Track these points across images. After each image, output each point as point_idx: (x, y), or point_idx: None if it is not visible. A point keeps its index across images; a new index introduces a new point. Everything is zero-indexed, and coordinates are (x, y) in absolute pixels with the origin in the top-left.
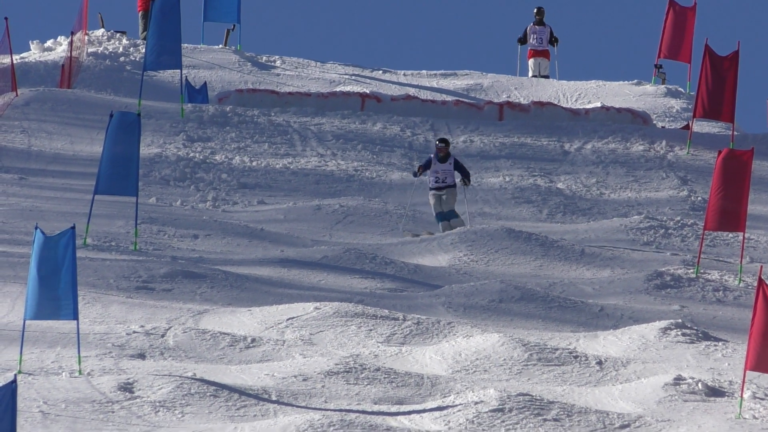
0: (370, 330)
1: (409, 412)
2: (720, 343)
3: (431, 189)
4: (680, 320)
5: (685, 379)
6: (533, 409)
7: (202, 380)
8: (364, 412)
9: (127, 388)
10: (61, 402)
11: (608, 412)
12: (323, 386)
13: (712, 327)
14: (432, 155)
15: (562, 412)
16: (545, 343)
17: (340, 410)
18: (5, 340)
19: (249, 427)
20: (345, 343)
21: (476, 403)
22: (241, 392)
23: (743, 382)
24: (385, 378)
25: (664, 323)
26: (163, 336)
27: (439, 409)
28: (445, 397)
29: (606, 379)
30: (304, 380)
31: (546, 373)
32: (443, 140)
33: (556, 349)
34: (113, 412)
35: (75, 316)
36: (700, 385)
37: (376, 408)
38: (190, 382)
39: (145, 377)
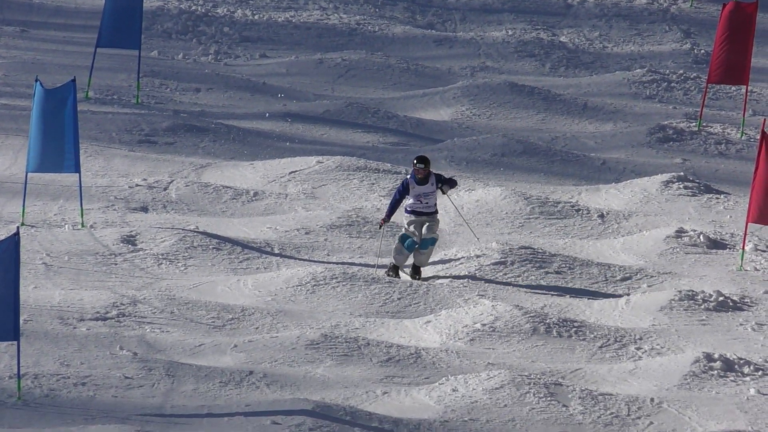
0: (372, 184)
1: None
2: (722, 196)
3: (408, 210)
4: (682, 173)
5: (686, 232)
6: (535, 261)
7: (205, 233)
8: (366, 265)
9: (129, 240)
10: (64, 254)
11: (610, 264)
12: (326, 239)
13: (714, 180)
14: (408, 177)
15: (563, 265)
16: (547, 196)
17: (343, 263)
18: (8, 192)
19: (252, 280)
20: (347, 196)
21: (478, 256)
22: (244, 245)
23: (745, 234)
24: (387, 231)
25: (666, 176)
26: (165, 189)
27: (441, 261)
28: (447, 249)
29: (608, 232)
30: (307, 233)
31: (548, 226)
32: (422, 159)
33: (558, 203)
34: (116, 264)
35: (77, 169)
36: (701, 237)
37: (378, 260)
38: (192, 235)
39: (147, 230)
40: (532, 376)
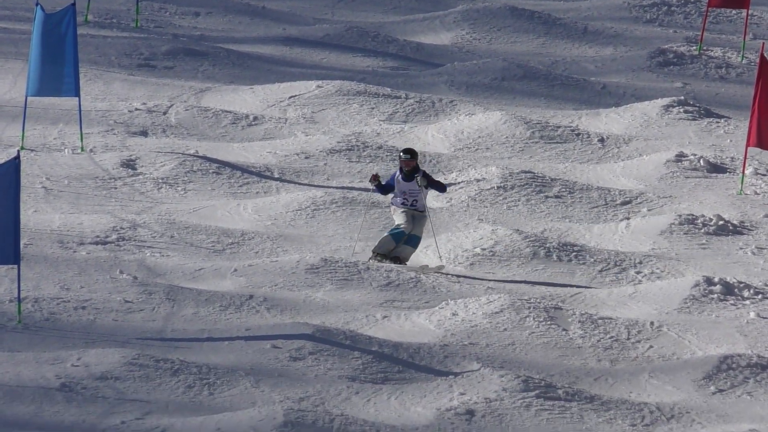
0: (372, 108)
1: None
2: (722, 120)
3: (395, 205)
4: (682, 97)
5: (686, 156)
6: (535, 186)
7: (204, 157)
8: (366, 189)
9: (129, 165)
10: (64, 178)
11: (610, 188)
12: (325, 164)
13: (715, 104)
14: (395, 173)
15: (563, 189)
16: (547, 120)
17: (342, 188)
18: (7, 116)
19: (251, 204)
20: (347, 121)
21: (478, 180)
22: (244, 170)
23: (744, 158)
24: (387, 156)
25: (666, 100)
26: (165, 113)
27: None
28: (447, 174)
29: (608, 156)
30: (306, 158)
31: (548, 150)
32: (408, 150)
33: (559, 127)
34: (116, 188)
35: (77, 93)
36: (701, 161)
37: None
38: (192, 159)
39: (147, 154)
40: (531, 300)
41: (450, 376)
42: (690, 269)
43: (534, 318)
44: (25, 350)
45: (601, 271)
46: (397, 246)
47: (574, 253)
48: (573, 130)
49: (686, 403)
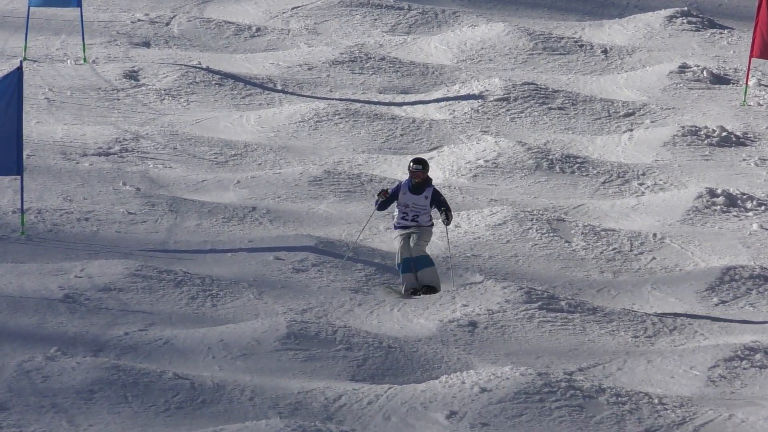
0: (375, 19)
1: (414, 102)
2: (725, 31)
3: (397, 228)
4: (686, 8)
5: (690, 67)
6: (538, 98)
7: (208, 69)
8: (369, 101)
9: (132, 76)
10: (67, 89)
11: (613, 100)
12: (328, 75)
13: (718, 15)
14: (401, 182)
15: (567, 101)
16: (550, 32)
17: (345, 99)
18: (10, 27)
19: (254, 116)
20: (350, 32)
21: (481, 92)
22: (246, 81)
23: (748, 69)
24: (390, 67)
25: (669, 11)
26: (167, 24)
27: (445, 99)
28: (450, 86)
29: (611, 67)
30: (309, 69)
31: (551, 62)
32: (419, 160)
33: (561, 38)
34: (118, 99)
35: (79, 3)
36: (705, 72)
37: (381, 97)
38: (195, 70)
39: (150, 65)
40: (534, 212)
41: (453, 288)
42: (693, 181)
43: (537, 230)
44: (29, 261)
45: (604, 182)
46: (416, 274)
47: (577, 165)
48: (576, 42)
49: (688, 314)
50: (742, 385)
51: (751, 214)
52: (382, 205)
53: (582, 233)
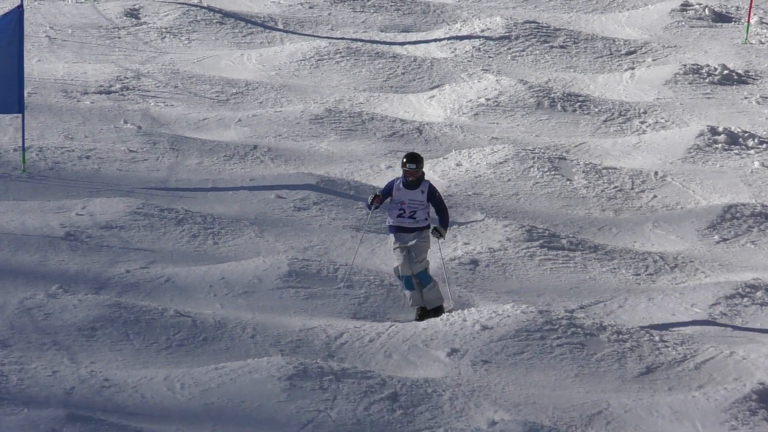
0: None
1: (416, 41)
2: None
3: (392, 228)
4: None
5: (691, 5)
6: (540, 36)
7: (209, 7)
8: (371, 40)
9: (133, 14)
10: (68, 27)
11: (614, 38)
12: (329, 14)
13: None
14: (395, 180)
15: (568, 39)
16: None
17: (347, 38)
18: None
19: (255, 54)
20: None
21: (483, 30)
22: (248, 20)
23: (750, 7)
24: (391, 6)
25: None
26: None
27: (446, 38)
28: (451, 24)
29: (613, 6)
30: (311, 8)
31: (553, 0)
32: (414, 158)
33: None
34: (119, 38)
35: None
36: (707, 11)
37: (382, 36)
38: (196, 9)
39: (151, 4)
40: (536, 151)
41: (454, 226)
42: (694, 119)
43: (538, 168)
44: (30, 199)
45: (605, 121)
46: (421, 291)
47: (579, 103)
48: None
49: (690, 252)
50: (743, 322)
51: (752, 152)
52: (377, 202)
53: (583, 171)
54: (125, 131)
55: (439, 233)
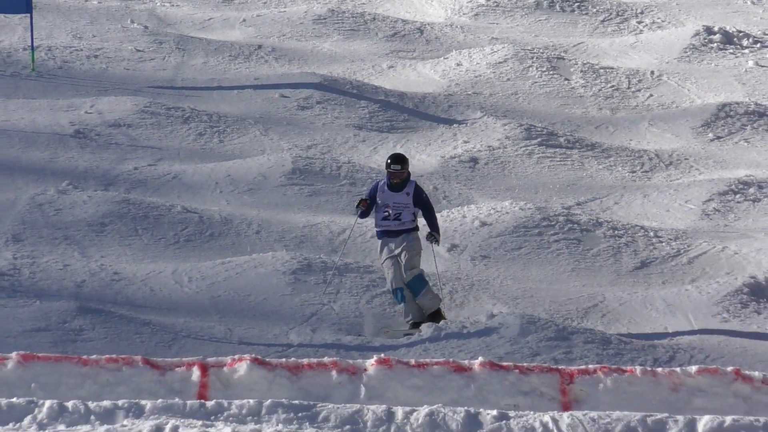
0: None
1: None
2: None
3: (378, 234)
4: None
5: None
6: None
7: None
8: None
9: None
10: None
11: None
12: None
13: None
14: (379, 181)
15: None
16: None
17: None
18: None
19: None
20: None
21: None
22: None
23: None
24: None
25: None
26: None
27: None
28: None
29: None
30: None
31: None
32: (398, 159)
33: None
34: None
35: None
36: None
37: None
38: None
39: None
40: (535, 51)
41: (454, 125)
42: (690, 19)
43: (537, 68)
44: (40, 97)
45: (603, 21)
46: (416, 301)
47: (577, 3)
48: None
49: (684, 149)
50: (736, 218)
51: (747, 51)
52: (364, 213)
53: (581, 71)
54: (132, 31)
55: (435, 239)
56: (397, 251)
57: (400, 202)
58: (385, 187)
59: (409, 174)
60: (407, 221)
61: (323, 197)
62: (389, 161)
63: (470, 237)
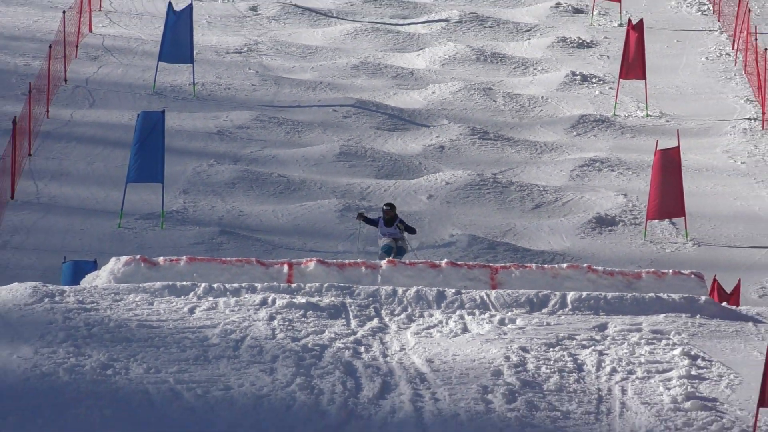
0: None
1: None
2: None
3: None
4: None
5: (561, 4)
6: (478, 21)
7: None
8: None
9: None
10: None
11: (518, 22)
12: None
13: None
14: (379, 218)
15: (495, 24)
16: None
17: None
18: None
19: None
20: None
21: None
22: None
23: (593, 5)
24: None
25: None
26: None
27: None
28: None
29: None
30: None
31: None
32: (389, 204)
33: None
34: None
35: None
36: (570, 7)
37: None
38: None
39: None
40: (476, 84)
41: (430, 127)
42: (563, 67)
43: (477, 94)
44: (197, 112)
45: (514, 68)
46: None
47: (500, 58)
48: None
49: (560, 141)
50: (588, 180)
51: (595, 85)
52: (368, 222)
53: (502, 96)
54: (249, 74)
55: (400, 227)
56: (390, 239)
57: (393, 233)
58: (382, 222)
59: (395, 214)
60: (400, 243)
61: (357, 168)
62: (384, 206)
63: (439, 191)
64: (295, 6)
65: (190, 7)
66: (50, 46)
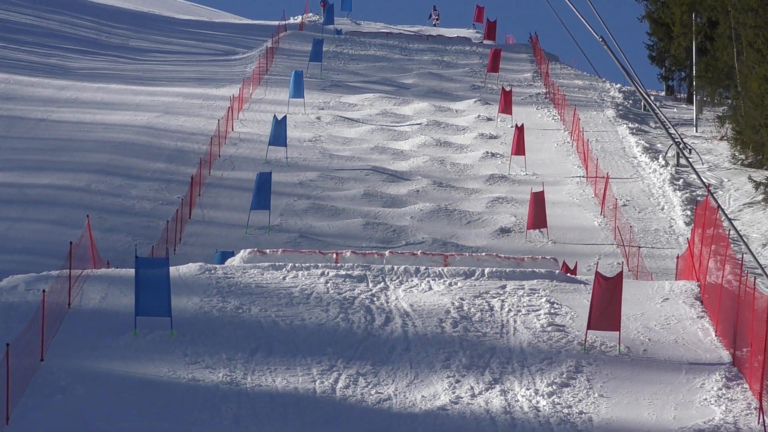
0: None
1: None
2: None
3: None
4: None
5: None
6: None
7: None
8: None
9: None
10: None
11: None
12: None
13: None
14: None
15: None
16: None
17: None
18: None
19: None
20: None
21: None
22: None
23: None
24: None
25: None
26: None
27: None
28: None
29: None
30: None
31: None
32: None
33: None
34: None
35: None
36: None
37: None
38: None
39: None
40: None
41: (412, 180)
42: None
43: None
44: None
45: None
46: None
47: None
48: None
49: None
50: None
51: (504, 159)
52: None
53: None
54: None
55: None
56: None
57: None
58: None
59: None
60: None
61: (372, 202)
62: None
63: (416, 214)
64: (340, 116)
65: (284, 118)
66: (211, 138)
